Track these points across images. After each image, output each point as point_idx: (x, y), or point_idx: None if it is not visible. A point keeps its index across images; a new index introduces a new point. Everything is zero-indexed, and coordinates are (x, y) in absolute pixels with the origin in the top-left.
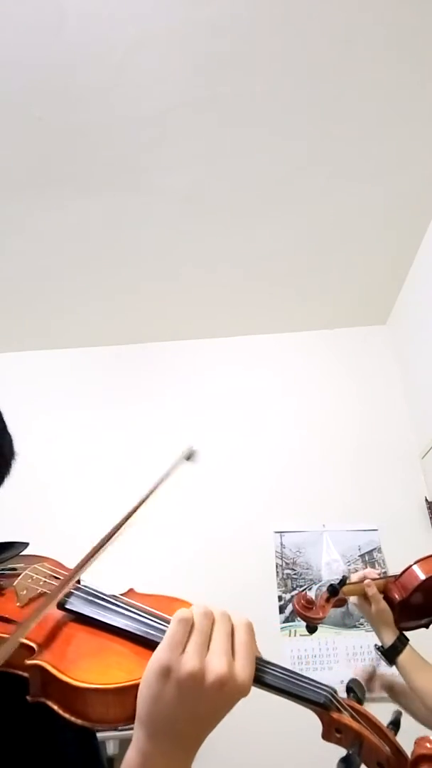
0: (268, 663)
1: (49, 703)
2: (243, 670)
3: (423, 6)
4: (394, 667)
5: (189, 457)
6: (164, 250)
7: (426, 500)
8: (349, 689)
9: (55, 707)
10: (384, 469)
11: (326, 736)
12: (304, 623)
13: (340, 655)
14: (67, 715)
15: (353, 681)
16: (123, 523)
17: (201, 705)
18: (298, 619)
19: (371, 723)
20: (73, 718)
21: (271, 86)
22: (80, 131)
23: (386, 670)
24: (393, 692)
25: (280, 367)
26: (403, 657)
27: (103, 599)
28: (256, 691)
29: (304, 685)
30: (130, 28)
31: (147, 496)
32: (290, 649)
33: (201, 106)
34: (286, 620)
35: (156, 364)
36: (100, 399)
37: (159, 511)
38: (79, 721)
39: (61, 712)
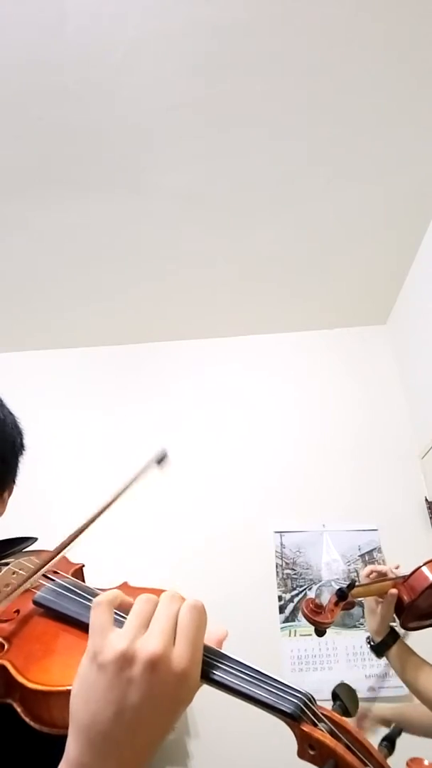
0: (226, 657)
1: (14, 705)
2: (181, 652)
3: (423, 6)
4: (384, 659)
5: (160, 461)
6: (164, 250)
7: (426, 500)
8: (335, 697)
9: (19, 710)
10: (384, 469)
11: (300, 753)
12: (308, 624)
13: (340, 655)
14: (28, 720)
15: (341, 686)
16: (88, 524)
17: (131, 693)
18: (299, 619)
19: (354, 739)
20: (33, 724)
21: (271, 86)
22: (80, 131)
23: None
24: (387, 722)
25: (279, 367)
26: (394, 652)
27: (77, 593)
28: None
29: (269, 689)
30: (130, 28)
31: (112, 501)
32: (290, 649)
33: (201, 106)
34: (286, 620)
35: (156, 364)
36: (99, 398)
37: (159, 511)
38: (37, 727)
39: (23, 716)
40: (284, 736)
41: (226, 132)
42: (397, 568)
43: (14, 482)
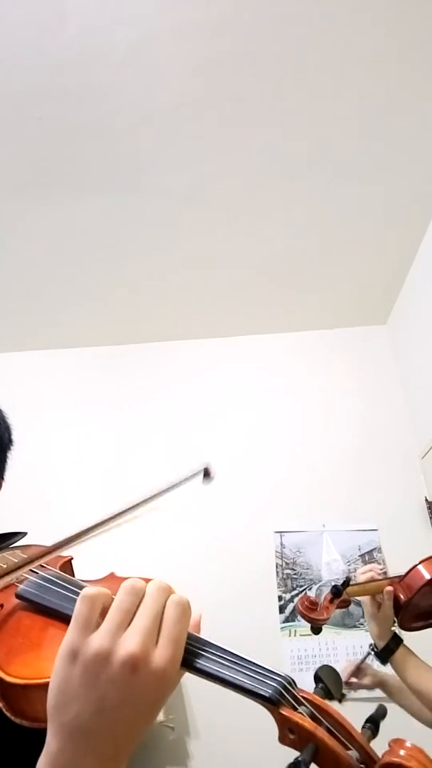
0: (205, 643)
1: None
2: (162, 652)
3: (424, 6)
4: (388, 665)
5: (206, 475)
6: (164, 250)
7: (426, 500)
8: (317, 679)
9: (0, 705)
10: (384, 469)
11: (281, 738)
12: (307, 624)
13: (340, 655)
14: (9, 715)
15: (324, 669)
16: (97, 527)
17: (110, 693)
18: (299, 619)
19: (335, 722)
20: (14, 719)
21: (271, 86)
22: (80, 131)
23: (379, 665)
24: (386, 688)
25: (279, 367)
26: (397, 656)
27: (61, 585)
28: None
29: (247, 673)
30: (130, 28)
31: (141, 502)
32: (290, 649)
33: (201, 106)
34: (286, 620)
35: (156, 364)
36: (99, 398)
37: (158, 510)
38: (18, 721)
39: (5, 712)
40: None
41: (226, 132)
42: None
43: (3, 478)
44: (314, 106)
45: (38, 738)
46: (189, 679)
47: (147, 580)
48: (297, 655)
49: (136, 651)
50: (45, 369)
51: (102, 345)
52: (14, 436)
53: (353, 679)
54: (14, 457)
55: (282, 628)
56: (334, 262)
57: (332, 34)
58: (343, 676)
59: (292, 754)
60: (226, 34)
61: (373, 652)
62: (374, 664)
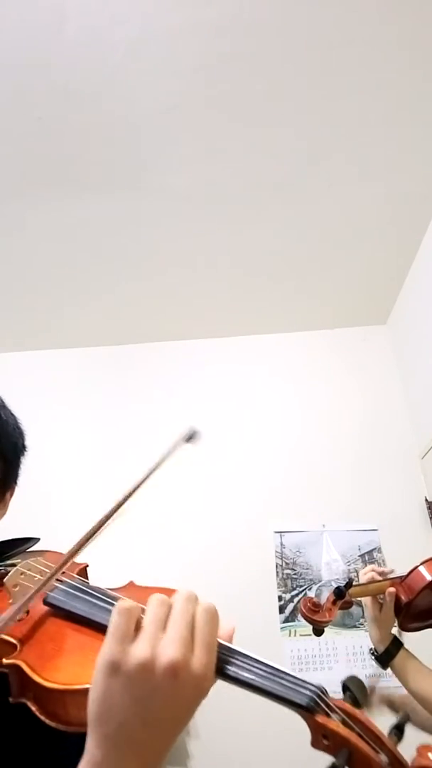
0: (241, 655)
1: (29, 704)
2: (199, 656)
3: (424, 6)
4: (389, 669)
5: (190, 438)
6: (164, 250)
7: (426, 500)
8: (345, 688)
9: (33, 708)
10: (384, 469)
11: (314, 743)
12: (307, 624)
13: (340, 655)
14: (43, 718)
15: (351, 679)
16: (116, 509)
17: (154, 700)
18: (299, 619)
19: (365, 729)
20: (48, 721)
21: (272, 86)
22: (80, 131)
23: (385, 682)
24: (394, 706)
25: (279, 367)
26: (398, 660)
27: (88, 593)
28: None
29: (283, 683)
30: (130, 28)
31: (142, 481)
32: (290, 649)
33: (201, 105)
34: (286, 620)
35: (156, 364)
36: (99, 398)
37: (158, 510)
38: (53, 724)
39: (38, 714)
40: (285, 736)
41: (226, 132)
42: (391, 572)
43: (16, 483)
44: (314, 106)
45: (66, 740)
46: None
47: (171, 591)
48: (297, 655)
49: (177, 657)
50: (45, 369)
51: (102, 345)
52: (27, 442)
53: None
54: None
55: (282, 628)
56: (334, 262)
57: (332, 34)
58: None
59: (293, 755)
60: (226, 34)
61: (372, 657)
62: (379, 680)
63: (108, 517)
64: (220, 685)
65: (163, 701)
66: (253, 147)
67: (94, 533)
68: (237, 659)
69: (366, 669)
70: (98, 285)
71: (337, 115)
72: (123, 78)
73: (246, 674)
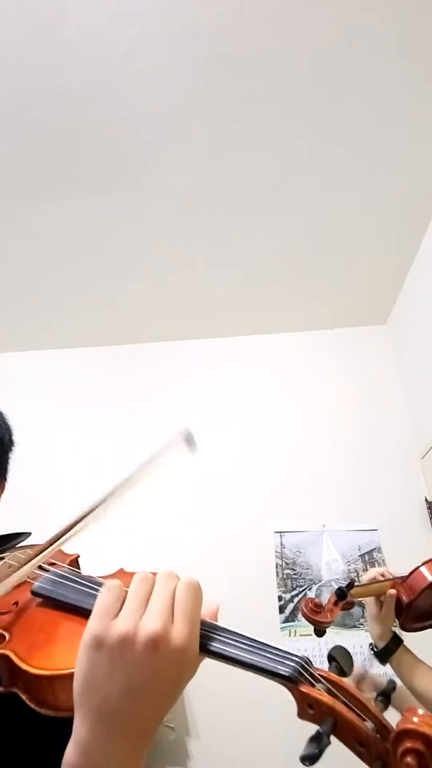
0: (222, 629)
1: (19, 694)
2: (180, 628)
3: (424, 6)
4: (387, 665)
5: (188, 441)
6: (164, 250)
7: (426, 500)
8: (330, 658)
9: (24, 697)
10: (384, 469)
11: (300, 713)
12: (308, 624)
13: None
14: (33, 706)
15: (336, 648)
16: (89, 513)
17: (136, 673)
18: (299, 619)
19: (351, 697)
20: (39, 709)
21: (272, 86)
22: (80, 131)
23: (380, 670)
24: (385, 694)
25: (279, 367)
26: (397, 657)
27: (75, 581)
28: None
29: (266, 654)
30: (130, 28)
31: (119, 487)
32: (290, 649)
33: (201, 106)
34: (286, 620)
35: (156, 364)
36: (99, 398)
37: (158, 510)
38: (43, 711)
39: (28, 702)
40: (285, 736)
41: (226, 132)
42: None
43: (5, 479)
44: (314, 106)
45: (59, 727)
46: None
47: (154, 574)
48: None
49: (157, 629)
50: (44, 369)
51: (101, 345)
52: (14, 437)
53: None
54: (13, 458)
55: (282, 628)
56: (334, 262)
57: (332, 34)
58: None
59: (290, 754)
60: (226, 34)
61: (372, 652)
62: (373, 666)
63: (96, 506)
64: (221, 685)
65: (145, 674)
66: (253, 147)
67: (77, 523)
68: (220, 635)
69: (366, 669)
70: (98, 285)
71: (337, 115)
72: (123, 78)
73: (230, 649)
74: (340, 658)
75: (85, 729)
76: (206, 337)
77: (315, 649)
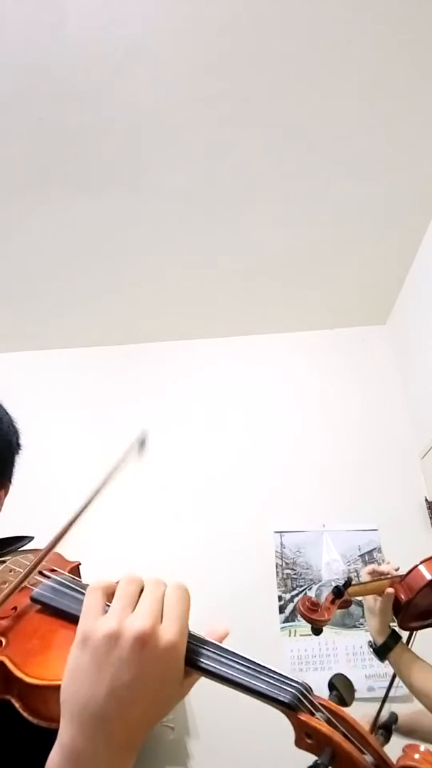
0: (222, 649)
1: (12, 701)
2: (168, 627)
3: (424, 6)
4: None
5: (141, 444)
6: (164, 250)
7: (426, 500)
8: (331, 686)
9: (17, 705)
10: (384, 469)
11: (298, 741)
12: (308, 624)
13: (340, 655)
14: (26, 714)
15: (337, 677)
16: (77, 517)
17: (122, 672)
18: (299, 619)
19: (350, 728)
20: (31, 718)
21: (271, 86)
22: (80, 131)
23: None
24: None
25: (279, 367)
26: (395, 653)
27: (75, 589)
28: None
29: (265, 679)
30: (130, 28)
31: (98, 490)
32: (290, 649)
33: (201, 105)
34: (286, 620)
35: (155, 364)
36: (99, 398)
37: (158, 510)
38: (35, 721)
39: (21, 711)
40: (284, 736)
41: (226, 132)
42: (397, 570)
43: (10, 482)
44: (314, 106)
45: (52, 738)
46: None
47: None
48: (297, 655)
49: (145, 627)
50: (45, 369)
51: (101, 345)
52: (21, 440)
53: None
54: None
55: (282, 628)
56: (334, 262)
57: (332, 33)
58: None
59: (291, 754)
60: (226, 34)
61: (371, 650)
62: (370, 661)
63: (82, 510)
64: (220, 685)
65: (132, 673)
66: (253, 147)
67: (68, 528)
68: (221, 656)
69: (366, 669)
70: (98, 285)
71: (337, 115)
72: (123, 78)
73: (226, 669)
74: (341, 687)
75: (68, 733)
76: (206, 337)
77: (315, 649)
